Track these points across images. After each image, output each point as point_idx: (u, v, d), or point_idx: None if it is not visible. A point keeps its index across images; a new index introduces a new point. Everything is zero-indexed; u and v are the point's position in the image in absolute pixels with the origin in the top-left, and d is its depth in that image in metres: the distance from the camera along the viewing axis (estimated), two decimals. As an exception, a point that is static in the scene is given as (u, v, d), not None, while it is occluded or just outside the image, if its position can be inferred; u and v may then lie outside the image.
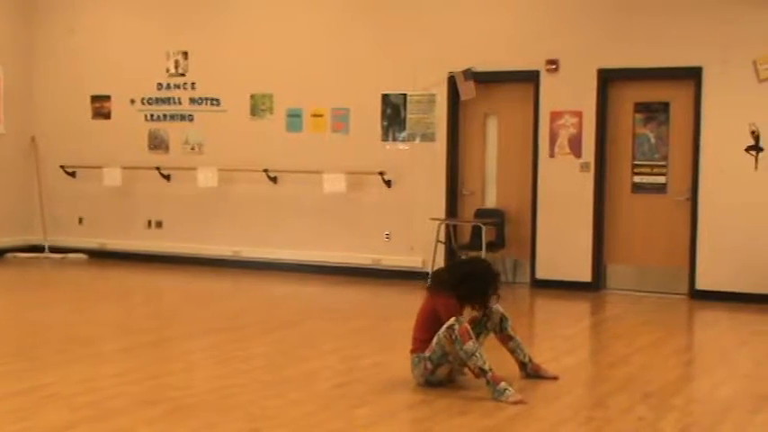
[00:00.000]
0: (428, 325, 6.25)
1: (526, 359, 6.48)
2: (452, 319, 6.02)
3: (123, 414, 5.49)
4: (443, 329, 6.03)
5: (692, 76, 10.44)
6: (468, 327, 6.03)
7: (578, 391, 6.35)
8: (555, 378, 6.47)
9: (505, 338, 6.48)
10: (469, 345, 5.93)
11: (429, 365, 6.15)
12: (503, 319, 6.44)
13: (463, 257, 6.72)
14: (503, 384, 5.87)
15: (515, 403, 5.78)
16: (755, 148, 10.21)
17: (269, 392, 6.06)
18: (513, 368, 6.47)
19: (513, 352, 6.48)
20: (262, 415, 5.53)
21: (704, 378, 6.96)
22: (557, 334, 8.63)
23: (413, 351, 6.30)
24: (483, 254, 10.91)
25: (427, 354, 6.15)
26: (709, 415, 5.72)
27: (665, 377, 6.76)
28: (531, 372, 6.47)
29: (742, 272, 10.21)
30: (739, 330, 8.85)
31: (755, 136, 10.20)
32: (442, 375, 6.17)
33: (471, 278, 6.36)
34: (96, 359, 7.11)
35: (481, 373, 5.90)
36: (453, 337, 5.96)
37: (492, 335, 6.46)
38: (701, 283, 10.47)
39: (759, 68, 10.13)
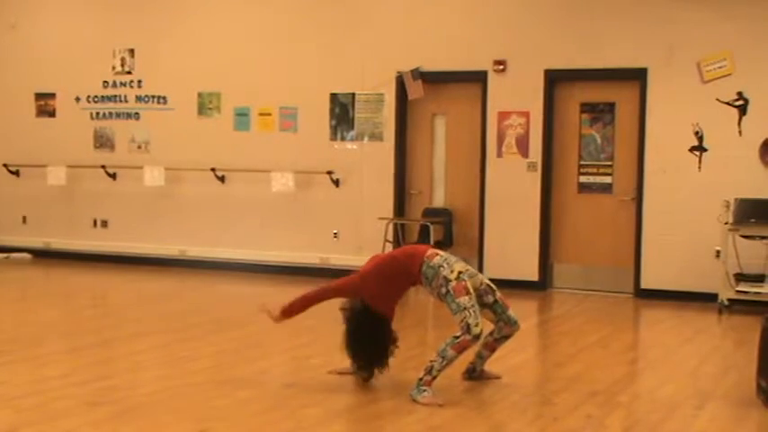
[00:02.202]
0: (385, 293, 6.21)
1: (480, 368, 6.47)
2: (475, 328, 5.83)
3: (68, 416, 5.42)
4: (470, 326, 5.80)
5: (638, 77, 10.56)
6: (471, 344, 5.87)
7: (526, 390, 6.39)
8: (498, 377, 6.49)
9: (492, 346, 6.39)
10: (452, 353, 5.83)
11: (444, 291, 5.94)
12: (509, 336, 6.39)
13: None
14: (426, 387, 5.83)
15: (428, 404, 5.71)
16: (699, 148, 10.36)
17: (217, 393, 6.02)
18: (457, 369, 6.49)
19: (480, 356, 6.41)
20: (210, 415, 5.49)
21: (650, 376, 7.04)
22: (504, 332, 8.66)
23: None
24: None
25: (452, 288, 5.92)
26: (655, 412, 5.78)
27: (611, 375, 6.83)
28: (476, 377, 6.46)
29: (686, 271, 10.35)
30: (683, 328, 8.96)
31: (699, 136, 10.35)
32: (446, 304, 6.01)
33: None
34: (41, 360, 7.01)
35: (428, 371, 5.84)
36: (461, 333, 5.82)
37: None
38: (646, 282, 10.60)
39: (703, 70, 10.27)
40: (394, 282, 6.20)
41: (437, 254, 6.13)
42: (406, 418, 5.52)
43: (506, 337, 6.39)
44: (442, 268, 6.01)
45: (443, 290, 5.97)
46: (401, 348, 7.38)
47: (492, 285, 6.30)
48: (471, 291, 5.99)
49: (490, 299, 6.25)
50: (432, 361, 5.87)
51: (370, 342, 6.18)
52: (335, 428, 5.38)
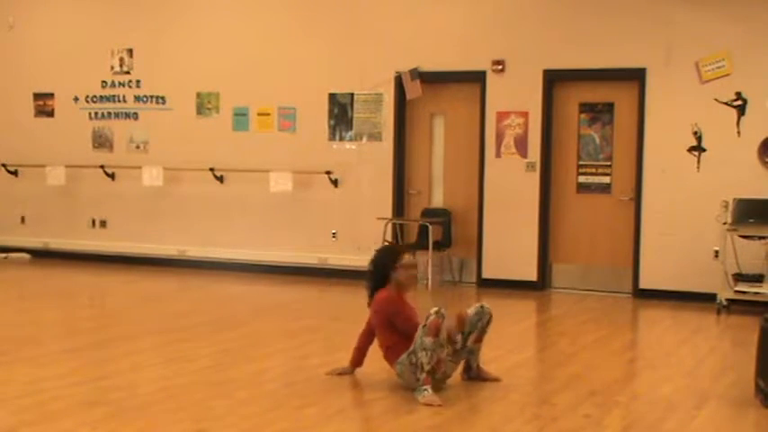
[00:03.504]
0: (387, 331, 6.22)
1: (475, 363, 6.44)
2: (434, 309, 5.94)
3: (66, 416, 5.42)
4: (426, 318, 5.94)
5: (636, 77, 10.56)
6: (441, 324, 5.90)
7: (524, 389, 6.38)
8: (497, 380, 6.46)
9: (477, 338, 6.39)
10: (430, 340, 5.85)
11: (413, 358, 6.00)
12: (489, 321, 6.38)
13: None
14: (426, 386, 5.85)
15: (428, 404, 5.72)
16: (697, 148, 10.36)
17: (216, 393, 6.02)
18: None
19: (469, 352, 6.40)
20: (208, 415, 5.48)
21: (648, 375, 7.04)
22: (503, 332, 8.64)
23: (391, 362, 6.21)
24: (430, 253, 10.99)
25: (411, 348, 6.03)
26: (653, 412, 5.78)
27: (609, 375, 6.84)
28: (473, 375, 6.44)
29: (684, 271, 10.34)
30: (681, 328, 8.96)
31: (697, 137, 10.35)
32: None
33: (374, 265, 6.39)
34: (39, 360, 7.00)
35: (420, 368, 5.88)
36: (424, 324, 5.92)
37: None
38: (645, 282, 10.59)
39: (701, 70, 10.27)
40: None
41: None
42: (405, 418, 5.52)
43: (486, 324, 6.37)
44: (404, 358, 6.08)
45: (413, 359, 5.99)
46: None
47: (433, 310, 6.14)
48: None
49: (479, 324, 6.31)
50: (418, 359, 5.91)
51: None
52: (334, 428, 5.37)
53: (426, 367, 5.87)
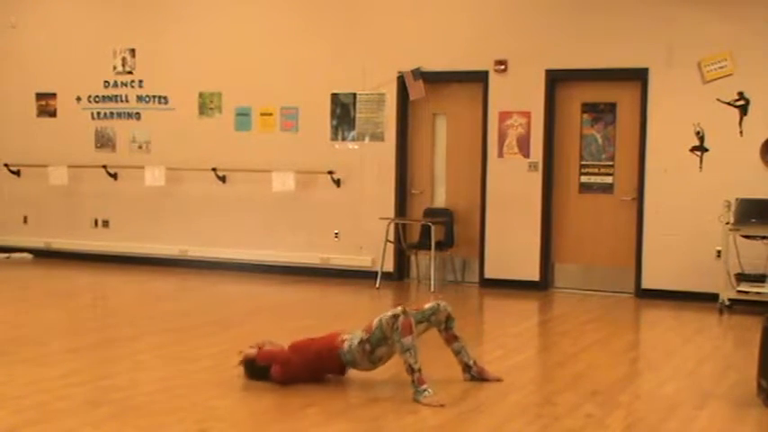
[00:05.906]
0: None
1: (470, 361, 6.43)
2: (399, 308, 6.02)
3: (69, 416, 5.42)
4: (388, 315, 6.01)
5: (639, 77, 10.56)
6: (412, 322, 5.98)
7: (526, 389, 6.38)
8: (499, 380, 6.45)
9: (451, 338, 6.41)
10: (408, 340, 5.89)
11: (368, 347, 6.13)
12: (449, 318, 6.39)
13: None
14: (425, 386, 5.84)
15: (430, 405, 5.72)
16: (700, 148, 10.35)
17: (217, 392, 6.01)
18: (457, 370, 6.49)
19: (457, 353, 6.42)
20: (210, 415, 5.48)
21: (650, 375, 7.03)
22: (505, 332, 8.67)
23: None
24: (432, 253, 10.98)
25: (366, 336, 6.14)
26: (656, 412, 5.78)
27: (611, 375, 6.82)
28: (475, 374, 6.42)
29: (687, 271, 10.34)
30: (684, 328, 8.95)
31: (700, 136, 10.34)
32: (382, 354, 6.17)
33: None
34: (41, 360, 7.00)
35: (410, 370, 5.88)
36: (395, 326, 5.95)
37: (437, 333, 6.41)
38: (647, 282, 10.59)
39: (704, 70, 10.27)
40: (320, 370, 6.37)
41: (343, 340, 6.28)
42: (407, 418, 5.51)
43: (449, 320, 6.39)
44: (351, 345, 6.18)
45: (367, 347, 6.13)
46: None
47: (395, 311, 6.16)
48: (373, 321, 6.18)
49: (432, 319, 6.35)
50: (404, 362, 5.92)
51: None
52: (335, 428, 5.37)
53: (416, 366, 5.86)
